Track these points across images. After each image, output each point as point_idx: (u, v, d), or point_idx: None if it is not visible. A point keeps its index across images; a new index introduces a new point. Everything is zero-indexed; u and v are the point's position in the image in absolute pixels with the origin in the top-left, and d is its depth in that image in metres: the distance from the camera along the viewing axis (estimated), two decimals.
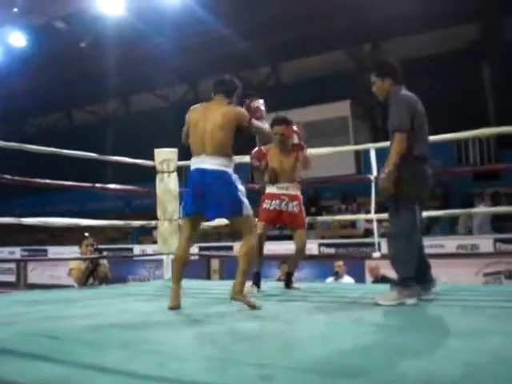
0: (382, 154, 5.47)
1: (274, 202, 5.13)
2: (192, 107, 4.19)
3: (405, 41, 15.46)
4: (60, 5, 13.70)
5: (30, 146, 5.71)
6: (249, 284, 4.80)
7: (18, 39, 15.48)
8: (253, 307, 3.85)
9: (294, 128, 5.11)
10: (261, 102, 4.43)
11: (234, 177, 3.96)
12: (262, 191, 5.28)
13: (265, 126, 4.34)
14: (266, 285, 5.43)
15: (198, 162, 3.96)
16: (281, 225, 5.49)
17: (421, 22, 13.87)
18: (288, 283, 5.34)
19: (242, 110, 4.10)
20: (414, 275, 3.90)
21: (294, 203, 5.15)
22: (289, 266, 5.49)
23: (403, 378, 2.03)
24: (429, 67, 14.49)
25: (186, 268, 4.07)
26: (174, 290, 3.96)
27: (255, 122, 4.13)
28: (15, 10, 13.78)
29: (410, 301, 3.87)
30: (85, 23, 14.48)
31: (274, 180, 5.16)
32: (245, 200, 3.94)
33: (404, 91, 4.08)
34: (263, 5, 13.91)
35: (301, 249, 5.23)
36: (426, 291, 4.06)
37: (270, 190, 5.19)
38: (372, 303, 3.92)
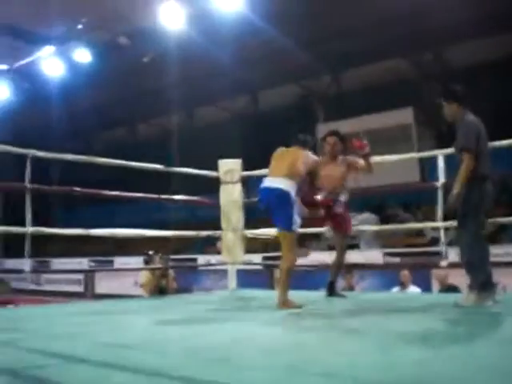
0: (448, 162, 5.40)
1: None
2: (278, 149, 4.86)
3: (466, 47, 15.14)
4: (123, 21, 13.98)
5: (99, 158, 5.86)
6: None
7: (83, 55, 15.81)
8: (298, 307, 4.41)
9: (364, 142, 5.22)
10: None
11: (293, 198, 4.46)
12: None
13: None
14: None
15: (267, 182, 4.60)
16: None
17: (481, 27, 13.58)
18: (331, 292, 5.41)
19: (310, 157, 4.75)
20: (488, 279, 4.21)
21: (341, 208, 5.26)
22: (332, 275, 5.49)
23: None
24: (490, 72, 14.12)
25: None
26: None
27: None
28: (80, 26, 14.14)
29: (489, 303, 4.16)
30: (147, 39, 14.74)
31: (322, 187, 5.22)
32: (297, 219, 4.45)
33: (470, 115, 4.39)
34: (323, 14, 13.88)
35: (342, 255, 5.36)
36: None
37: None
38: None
